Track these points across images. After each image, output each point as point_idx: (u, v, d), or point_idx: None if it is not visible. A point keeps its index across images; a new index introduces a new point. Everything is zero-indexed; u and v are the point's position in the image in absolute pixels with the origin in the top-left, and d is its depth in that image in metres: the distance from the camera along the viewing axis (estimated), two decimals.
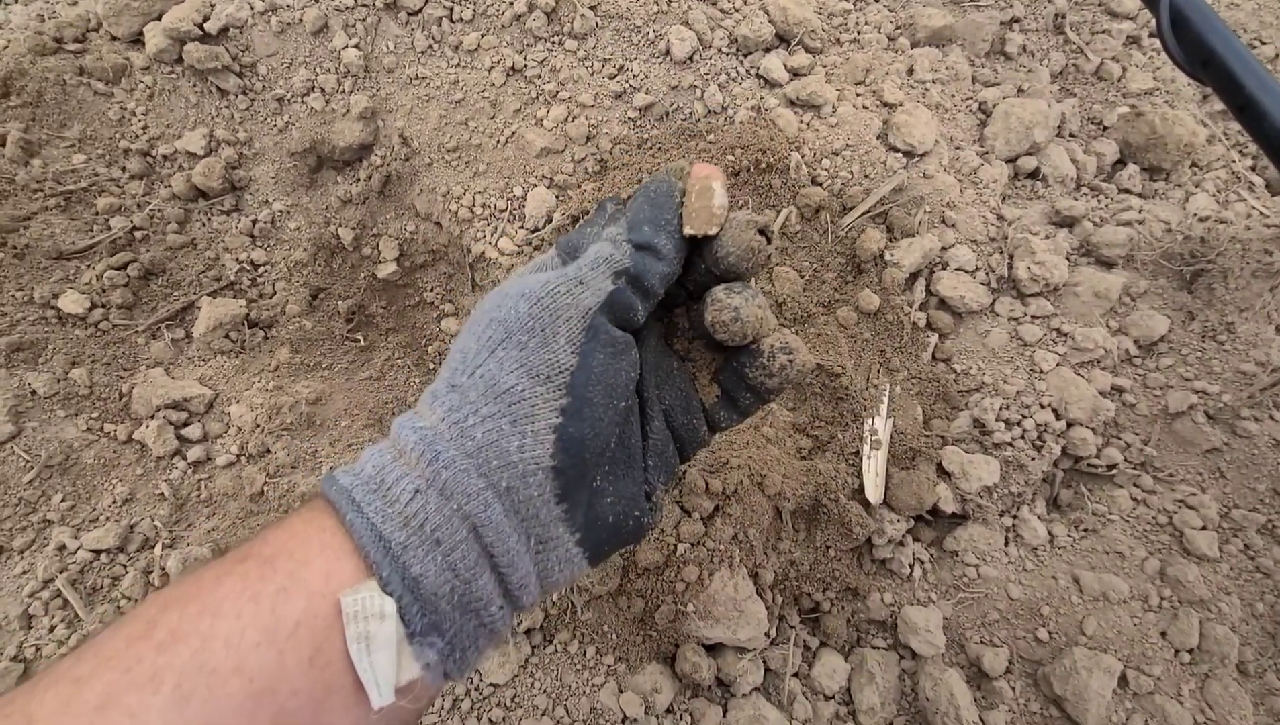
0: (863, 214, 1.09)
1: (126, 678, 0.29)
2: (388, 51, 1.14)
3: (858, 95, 1.16)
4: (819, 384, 1.04)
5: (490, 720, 0.90)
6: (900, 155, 1.12)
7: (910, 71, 1.21)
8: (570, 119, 1.11)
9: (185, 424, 1.06)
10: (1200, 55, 0.73)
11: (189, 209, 1.19)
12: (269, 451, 1.05)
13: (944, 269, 1.09)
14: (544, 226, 1.09)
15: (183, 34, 1.12)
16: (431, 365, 1.18)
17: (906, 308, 1.08)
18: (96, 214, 1.13)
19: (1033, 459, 1.01)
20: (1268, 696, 0.91)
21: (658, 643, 0.94)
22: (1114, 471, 1.03)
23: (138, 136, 1.16)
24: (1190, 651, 0.92)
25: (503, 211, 1.11)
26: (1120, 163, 1.23)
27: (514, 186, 1.11)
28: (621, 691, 0.92)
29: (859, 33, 1.24)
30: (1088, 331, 1.06)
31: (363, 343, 1.21)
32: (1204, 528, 0.99)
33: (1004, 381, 1.05)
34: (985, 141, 1.20)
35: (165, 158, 1.18)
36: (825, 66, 1.18)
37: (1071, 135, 1.25)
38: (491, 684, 0.92)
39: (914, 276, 1.10)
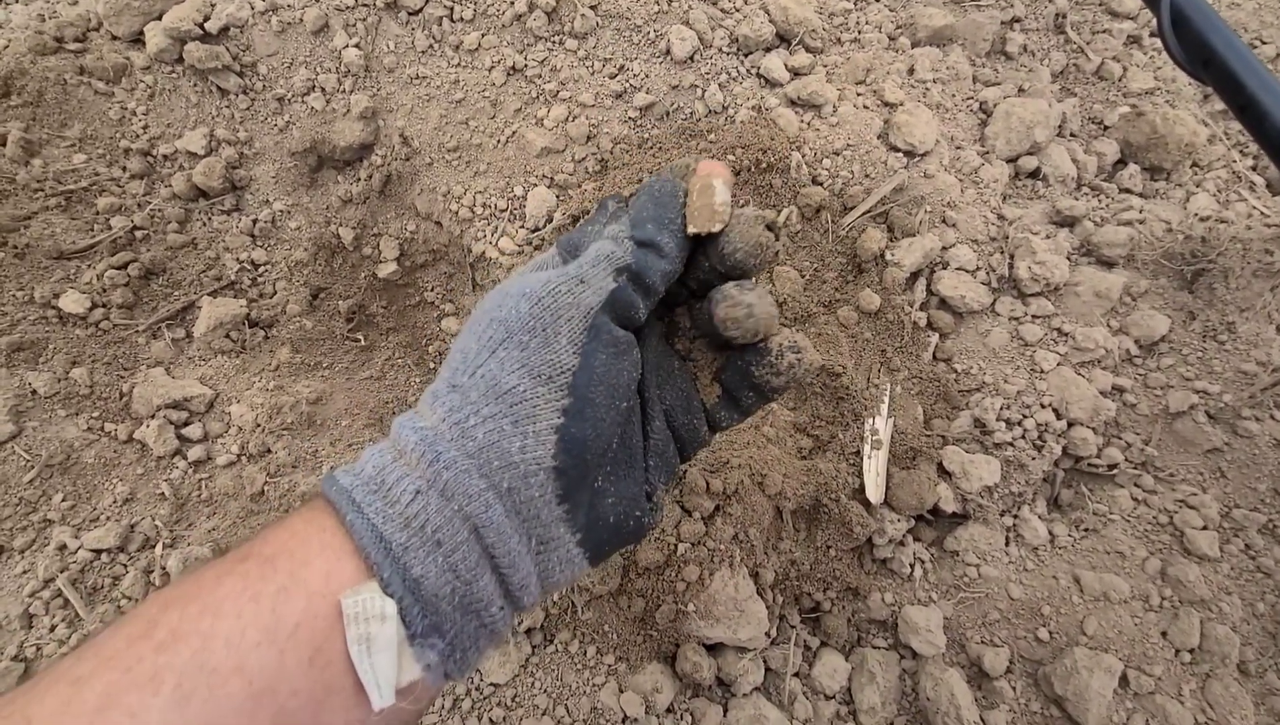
0: (863, 214, 1.09)
1: (126, 678, 0.29)
2: (388, 51, 1.14)
3: (858, 95, 1.16)
4: (820, 384, 1.04)
5: (491, 720, 0.90)
6: (901, 155, 1.12)
7: (911, 71, 1.20)
8: (571, 118, 1.11)
9: (186, 423, 1.06)
10: (1201, 55, 0.73)
11: (189, 208, 1.19)
12: (269, 451, 1.05)
13: (945, 269, 1.09)
14: (544, 226, 1.09)
15: (183, 33, 1.12)
16: (432, 365, 1.18)
17: (907, 307, 1.08)
18: (97, 213, 1.13)
19: (1033, 459, 1.01)
20: (1268, 696, 0.91)
21: (658, 642, 0.94)
22: (1115, 471, 1.03)
23: (138, 136, 1.16)
24: (1191, 651, 0.92)
25: (503, 211, 1.11)
26: (1121, 162, 1.23)
27: (514, 186, 1.11)
28: (622, 691, 0.92)
29: (860, 32, 1.24)
30: (1088, 331, 1.06)
31: (363, 342, 1.21)
32: (1205, 527, 0.99)
33: (1005, 381, 1.05)
34: (986, 141, 1.20)
35: (166, 157, 1.18)
36: (826, 66, 1.18)
37: (1072, 135, 1.25)
38: (492, 683, 0.92)
39: (915, 276, 1.10)
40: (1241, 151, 1.23)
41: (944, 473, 1.02)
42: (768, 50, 1.17)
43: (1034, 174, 1.20)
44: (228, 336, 1.14)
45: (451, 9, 1.13)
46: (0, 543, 0.95)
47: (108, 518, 0.99)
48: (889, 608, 0.99)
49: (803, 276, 1.08)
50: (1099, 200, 1.18)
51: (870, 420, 1.03)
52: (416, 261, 1.19)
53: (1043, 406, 1.02)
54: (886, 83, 1.16)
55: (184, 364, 1.12)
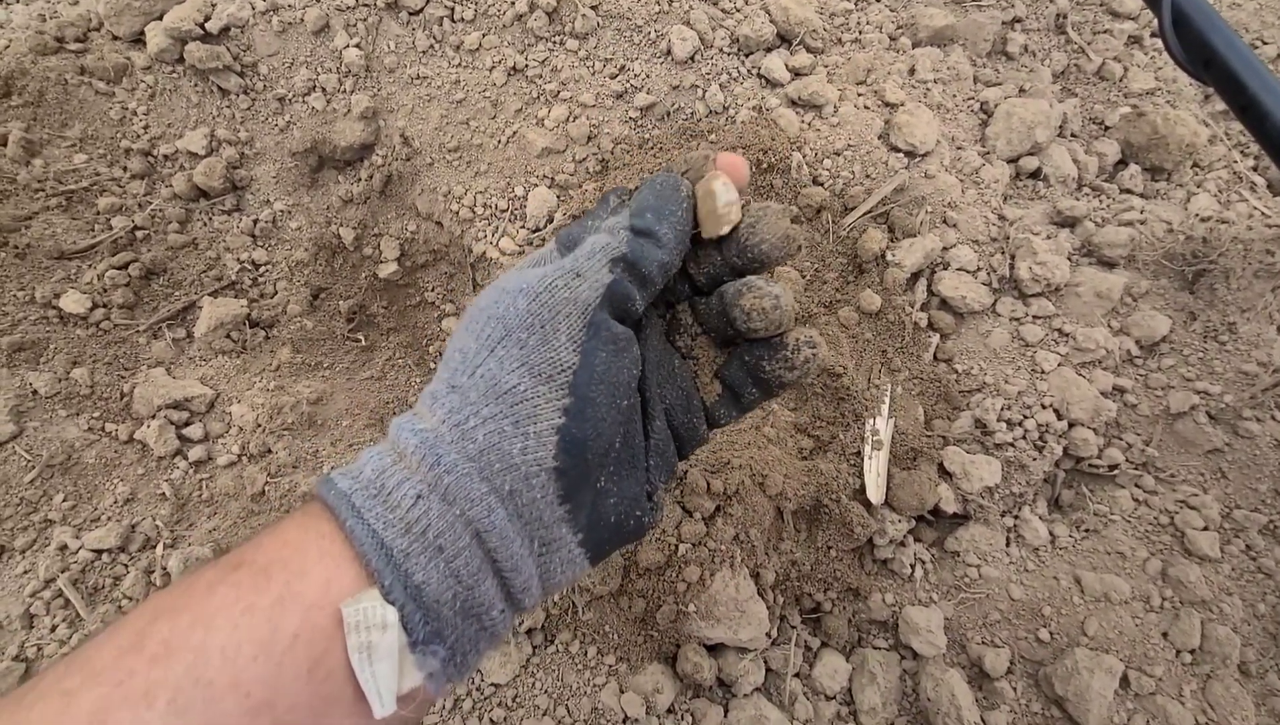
0: (864, 214, 1.09)
1: (119, 692, 0.29)
2: (389, 51, 1.14)
3: (859, 95, 1.16)
4: (820, 384, 1.04)
5: (491, 720, 0.90)
6: (902, 155, 1.12)
7: (912, 71, 1.20)
8: (571, 119, 1.11)
9: (186, 424, 1.06)
10: (1202, 55, 0.73)
11: (190, 209, 1.19)
12: (270, 451, 1.05)
13: (945, 269, 1.09)
14: (545, 226, 1.09)
15: (184, 34, 1.12)
16: (432, 365, 1.18)
17: (908, 308, 1.07)
18: (98, 214, 1.13)
19: (1034, 459, 1.01)
20: (1269, 697, 0.91)
21: (659, 643, 0.94)
22: (1115, 472, 1.03)
23: (139, 136, 1.16)
24: (1192, 652, 0.92)
25: (504, 211, 1.11)
26: (1122, 163, 1.23)
27: (515, 186, 1.11)
28: (623, 692, 0.92)
29: (860, 32, 1.24)
30: (1089, 332, 1.06)
31: (364, 342, 1.21)
32: (1205, 528, 0.99)
33: (1005, 382, 1.05)
34: (987, 141, 1.20)
35: (166, 157, 1.18)
36: (827, 66, 1.18)
37: (1073, 135, 1.25)
38: (493, 684, 0.92)
39: (915, 277, 1.10)
40: (1242, 152, 1.23)
41: (945, 473, 1.02)
42: (768, 50, 1.17)
43: (1035, 174, 1.20)
44: (228, 336, 1.14)
45: (452, 9, 1.13)
46: (1, 543, 0.95)
47: (108, 518, 0.99)
48: (890, 608, 0.99)
49: (804, 277, 1.08)
50: (1100, 201, 1.18)
51: (871, 421, 1.03)
52: (417, 262, 1.19)
53: (1043, 407, 1.02)
54: (887, 83, 1.16)
55: (185, 364, 1.13)
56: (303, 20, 1.13)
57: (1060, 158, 1.19)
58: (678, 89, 1.13)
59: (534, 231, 1.09)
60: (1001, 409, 1.03)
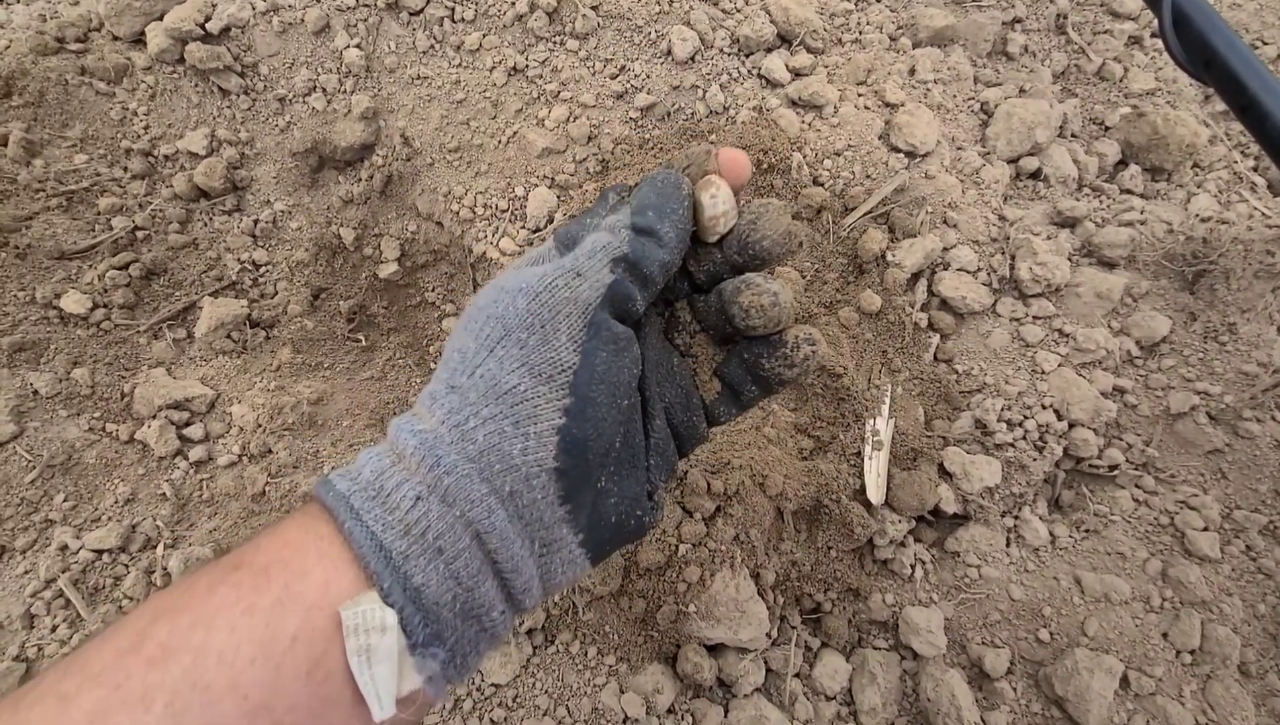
0: (864, 214, 1.09)
1: (116, 695, 0.28)
2: (389, 51, 1.14)
3: (859, 95, 1.16)
4: (821, 384, 1.04)
5: (492, 720, 0.91)
6: (902, 156, 1.12)
7: (912, 72, 1.20)
8: (572, 119, 1.11)
9: (187, 424, 1.06)
10: (1202, 55, 0.73)
11: (191, 209, 1.19)
12: (271, 451, 1.05)
13: (946, 269, 1.09)
14: (545, 226, 1.09)
15: (184, 34, 1.12)
16: (432, 365, 1.18)
17: (908, 308, 1.08)
18: (98, 214, 1.13)
19: (1034, 460, 1.01)
20: (1269, 697, 0.91)
21: (659, 643, 0.94)
22: (1116, 472, 1.03)
23: (139, 136, 1.17)
24: (1192, 652, 0.92)
25: (504, 211, 1.11)
26: (1122, 163, 1.23)
27: (515, 186, 1.11)
28: (623, 692, 0.92)
29: (861, 33, 1.24)
30: (1089, 332, 1.06)
31: (364, 343, 1.21)
32: (1206, 529, 0.99)
33: (1006, 382, 1.05)
34: (987, 142, 1.20)
35: (167, 157, 1.18)
36: (827, 67, 1.18)
37: (1073, 136, 1.25)
38: (493, 684, 0.92)
39: (916, 277, 1.10)
40: (1243, 152, 1.23)
41: (945, 474, 1.02)
42: (769, 51, 1.17)
43: (1035, 175, 1.20)
44: (229, 337, 1.14)
45: (453, 9, 1.13)
46: (2, 543, 0.95)
47: (109, 518, 0.99)
48: (890, 608, 0.99)
49: (804, 277, 1.08)
50: (1100, 201, 1.18)
51: (871, 421, 1.03)
52: (417, 262, 1.19)
53: (1044, 407, 1.02)
54: (887, 83, 1.16)
55: (185, 364, 1.13)
56: (303, 20, 1.13)
57: (1060, 158, 1.19)
58: (678, 89, 1.13)
59: (534, 232, 1.09)
60: (1002, 409, 1.03)
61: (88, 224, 1.13)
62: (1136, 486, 1.03)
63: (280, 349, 1.16)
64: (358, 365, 1.20)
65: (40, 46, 1.14)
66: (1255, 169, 1.21)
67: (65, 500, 0.99)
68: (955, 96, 1.22)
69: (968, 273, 1.08)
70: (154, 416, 1.05)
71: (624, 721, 0.91)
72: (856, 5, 1.27)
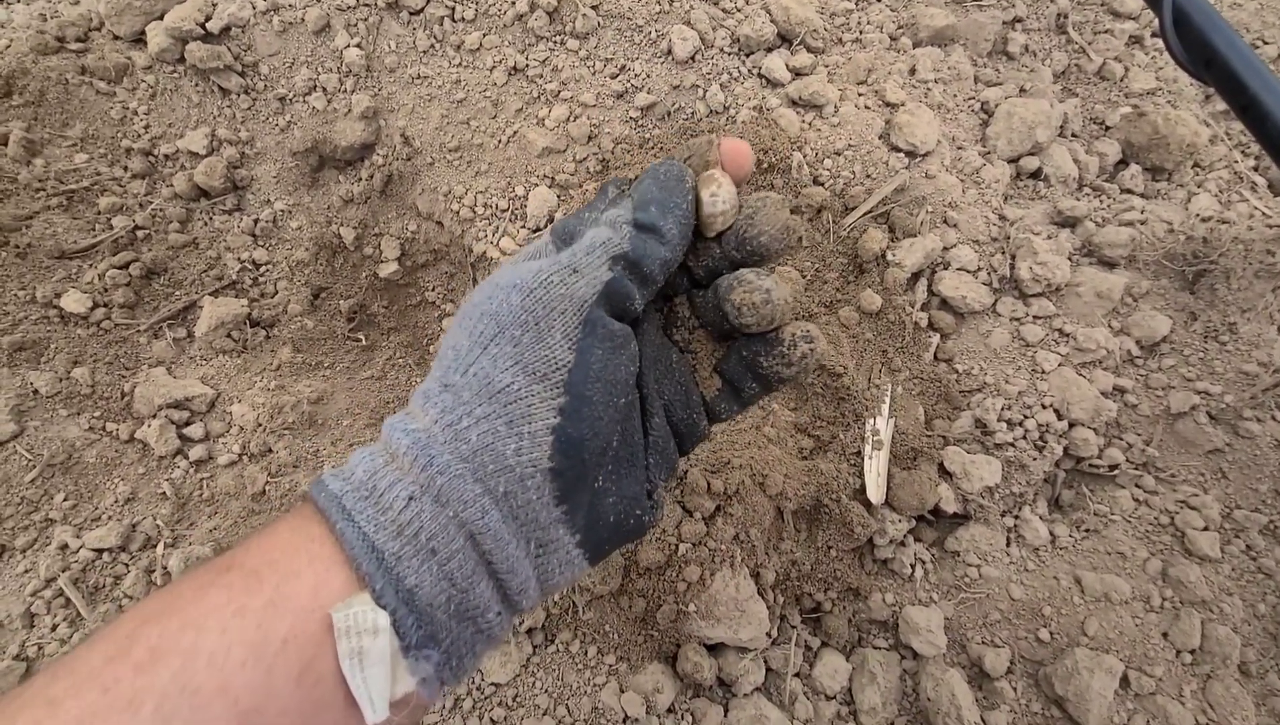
0: (865, 214, 1.09)
1: (104, 699, 0.28)
2: (389, 51, 1.14)
3: (860, 95, 1.16)
4: (821, 384, 1.04)
5: (492, 720, 0.91)
6: (902, 155, 1.12)
7: (912, 71, 1.20)
8: (572, 118, 1.11)
9: (187, 423, 1.06)
10: (1203, 55, 0.73)
11: (191, 208, 1.19)
12: (271, 451, 1.06)
13: (946, 269, 1.09)
14: (545, 226, 1.09)
15: (185, 33, 1.12)
16: (432, 364, 1.18)
17: (908, 308, 1.07)
18: (98, 213, 1.13)
19: (1034, 459, 1.01)
20: (1269, 697, 0.91)
21: (659, 642, 0.94)
22: (1116, 472, 1.03)
23: (140, 136, 1.17)
24: (1192, 652, 0.92)
25: (504, 211, 1.11)
26: (1122, 163, 1.23)
27: (516, 186, 1.11)
28: (623, 691, 0.92)
29: (861, 32, 1.24)
30: (1090, 332, 1.06)
31: (364, 342, 1.21)
32: (1206, 528, 0.99)
33: (1006, 382, 1.05)
34: (987, 141, 1.19)
35: (167, 157, 1.18)
36: (827, 66, 1.18)
37: (1074, 135, 1.25)
38: (493, 683, 0.92)
39: (916, 276, 1.10)
40: (1243, 152, 1.23)
41: (945, 473, 1.02)
42: (769, 50, 1.17)
43: (1035, 174, 1.20)
44: (229, 336, 1.14)
45: (453, 9, 1.13)
46: (2, 542, 0.95)
47: (109, 517, 0.99)
48: (890, 608, 0.99)
49: (804, 276, 1.08)
50: (1100, 201, 1.18)
51: (871, 421, 1.03)
52: (418, 261, 1.19)
53: (1044, 407, 1.02)
54: (888, 83, 1.16)
55: (185, 363, 1.13)
56: (303, 20, 1.13)
57: (1061, 158, 1.19)
58: (678, 89, 1.13)
59: (534, 231, 1.09)
60: (1002, 409, 1.03)
61: (88, 223, 1.13)
62: (1137, 486, 1.03)
63: (280, 348, 1.16)
64: (358, 365, 1.20)
65: (41, 46, 1.14)
66: (1256, 169, 1.21)
67: (65, 499, 0.99)
68: (955, 96, 1.22)
69: (968, 272, 1.08)
70: (154, 416, 1.05)
71: (624, 721, 0.91)
72: (857, 5, 1.27)
